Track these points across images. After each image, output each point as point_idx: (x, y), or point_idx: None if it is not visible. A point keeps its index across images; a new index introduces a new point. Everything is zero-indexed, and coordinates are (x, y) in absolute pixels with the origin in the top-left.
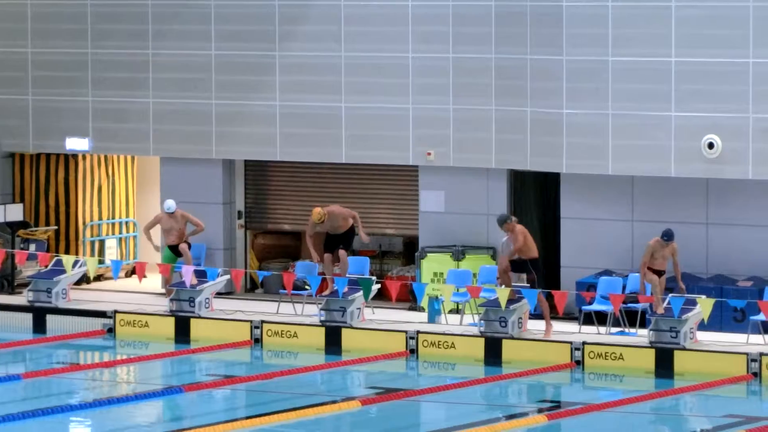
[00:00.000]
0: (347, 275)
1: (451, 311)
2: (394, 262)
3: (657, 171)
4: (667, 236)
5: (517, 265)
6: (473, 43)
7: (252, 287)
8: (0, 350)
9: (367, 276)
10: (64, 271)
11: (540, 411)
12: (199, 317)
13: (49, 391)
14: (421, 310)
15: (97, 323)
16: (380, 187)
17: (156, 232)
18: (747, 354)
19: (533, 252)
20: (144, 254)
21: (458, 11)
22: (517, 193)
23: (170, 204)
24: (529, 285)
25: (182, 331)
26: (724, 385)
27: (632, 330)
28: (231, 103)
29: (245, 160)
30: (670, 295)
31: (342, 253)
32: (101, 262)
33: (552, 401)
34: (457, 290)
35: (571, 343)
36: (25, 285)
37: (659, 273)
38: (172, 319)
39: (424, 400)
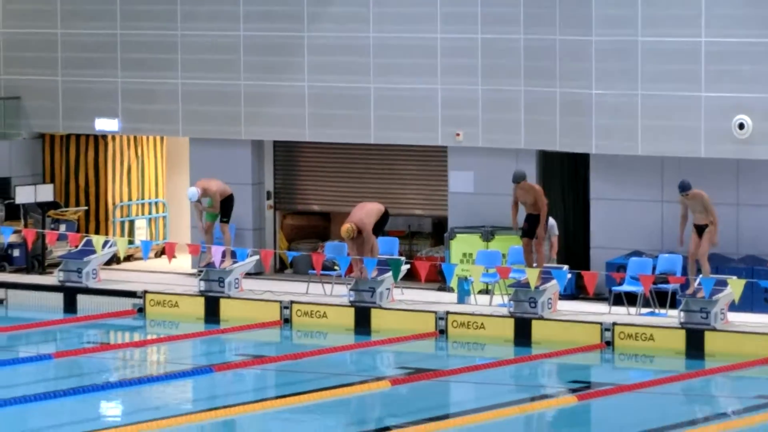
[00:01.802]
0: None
1: (480, 292)
2: (423, 242)
3: (687, 152)
4: (681, 187)
5: (531, 226)
6: (502, 24)
7: (281, 268)
8: (31, 330)
9: (396, 256)
10: (94, 252)
11: (570, 391)
12: (229, 297)
13: (79, 370)
14: (451, 290)
15: (127, 303)
16: (409, 168)
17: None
18: None
19: (545, 207)
20: (174, 234)
21: None
22: (546, 173)
23: (191, 193)
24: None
25: (212, 311)
26: (755, 366)
27: (662, 311)
28: (260, 84)
29: (274, 141)
30: (700, 276)
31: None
32: (131, 242)
33: (582, 382)
34: (487, 271)
35: (601, 323)
36: (56, 265)
37: (700, 229)
38: (201, 299)
39: (453, 381)
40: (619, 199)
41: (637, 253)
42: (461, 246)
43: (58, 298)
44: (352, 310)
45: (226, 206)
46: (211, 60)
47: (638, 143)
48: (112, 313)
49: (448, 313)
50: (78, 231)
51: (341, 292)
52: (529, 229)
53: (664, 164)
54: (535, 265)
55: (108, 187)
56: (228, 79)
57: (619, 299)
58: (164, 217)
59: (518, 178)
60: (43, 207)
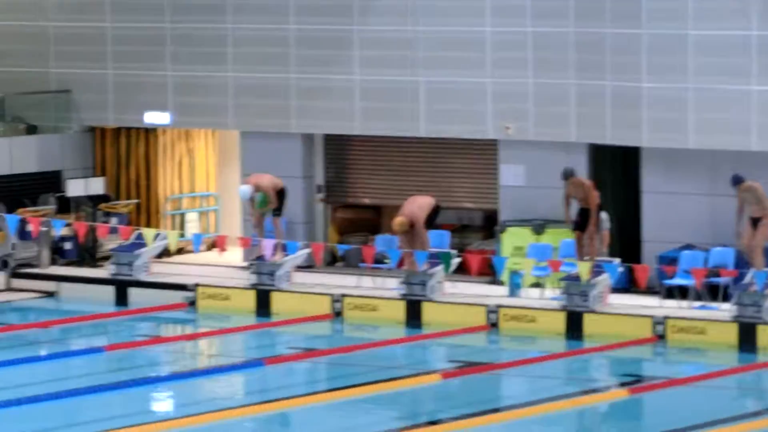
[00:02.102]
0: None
1: (531, 285)
2: (474, 235)
3: (738, 145)
4: (733, 181)
5: (583, 220)
6: (552, 17)
7: (332, 261)
8: (82, 323)
9: (447, 250)
10: (145, 245)
11: (622, 385)
12: (280, 290)
13: (131, 363)
14: (502, 283)
15: (179, 296)
16: (459, 161)
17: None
18: None
19: (596, 201)
20: (225, 227)
21: None
22: (597, 167)
23: (243, 192)
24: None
25: (263, 305)
26: None
27: (714, 304)
28: (311, 77)
29: (325, 134)
30: (752, 269)
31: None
32: (182, 235)
33: (633, 375)
34: (538, 264)
35: (653, 317)
36: (107, 258)
37: (754, 221)
38: (253, 293)
39: (505, 374)
40: (671, 192)
41: (689, 247)
42: (512, 239)
43: (109, 291)
44: (403, 303)
45: (278, 199)
46: (262, 53)
47: (689, 136)
48: (164, 306)
49: (499, 306)
50: (129, 224)
51: (392, 285)
52: (581, 223)
53: (715, 157)
54: (586, 258)
55: (159, 180)
56: (279, 72)
57: (670, 293)
58: (215, 210)
59: (567, 175)
60: (95, 200)
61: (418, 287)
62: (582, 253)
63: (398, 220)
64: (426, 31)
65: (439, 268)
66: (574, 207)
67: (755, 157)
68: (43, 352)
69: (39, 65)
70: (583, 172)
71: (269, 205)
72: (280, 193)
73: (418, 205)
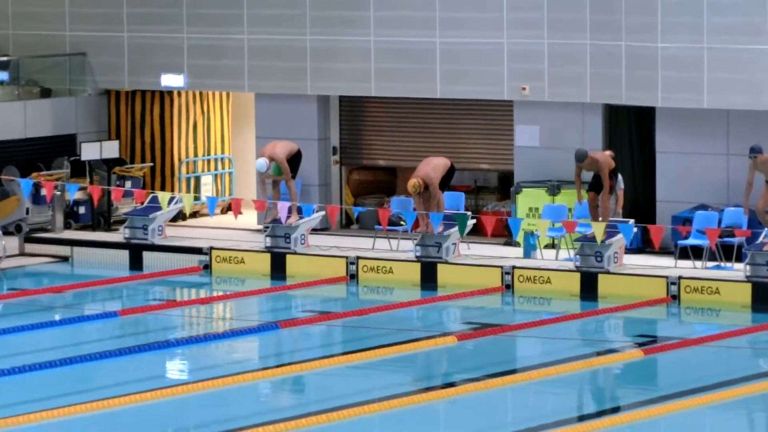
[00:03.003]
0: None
1: (546, 246)
2: (489, 197)
3: (752, 104)
4: (752, 150)
5: (597, 181)
6: None
7: (347, 223)
8: (97, 287)
9: (462, 211)
10: (159, 208)
11: (636, 346)
12: (295, 253)
13: (145, 328)
14: (517, 245)
15: (193, 260)
16: (475, 122)
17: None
18: None
19: (608, 178)
20: (240, 191)
21: None
22: (612, 127)
23: (260, 164)
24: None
25: (278, 268)
26: None
27: (728, 264)
28: (326, 39)
29: (340, 96)
30: (766, 229)
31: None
32: (197, 198)
33: (648, 336)
34: (553, 225)
35: (667, 277)
36: (122, 222)
37: None
38: (267, 255)
39: (520, 336)
40: (685, 152)
41: (703, 207)
42: (527, 200)
43: (123, 255)
44: (419, 265)
45: (293, 163)
46: (277, 15)
47: (704, 96)
48: (178, 270)
49: (514, 267)
50: (144, 187)
51: (407, 247)
52: (595, 184)
53: (729, 117)
54: (600, 219)
55: (174, 143)
56: (294, 34)
57: (685, 253)
58: (230, 173)
59: (581, 158)
60: (109, 163)
61: (433, 249)
62: (595, 215)
63: (412, 182)
64: None
65: (454, 229)
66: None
67: None
68: (57, 317)
69: (54, 28)
70: (597, 133)
71: (283, 174)
72: (295, 157)
73: (433, 166)
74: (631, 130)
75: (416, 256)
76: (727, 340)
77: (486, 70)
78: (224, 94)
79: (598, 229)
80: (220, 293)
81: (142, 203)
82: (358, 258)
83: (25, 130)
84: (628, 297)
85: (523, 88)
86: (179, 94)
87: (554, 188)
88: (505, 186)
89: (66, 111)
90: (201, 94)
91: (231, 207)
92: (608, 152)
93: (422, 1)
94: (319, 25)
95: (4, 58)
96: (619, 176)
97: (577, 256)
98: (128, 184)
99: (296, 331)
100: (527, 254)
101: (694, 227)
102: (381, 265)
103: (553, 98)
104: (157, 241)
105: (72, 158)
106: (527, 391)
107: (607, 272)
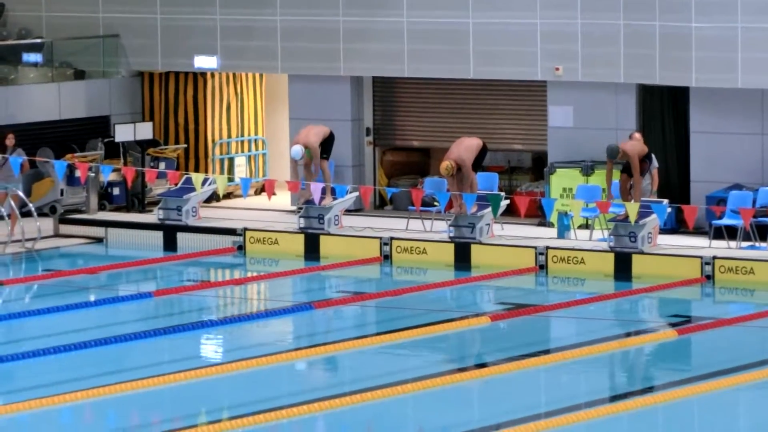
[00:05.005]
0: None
1: (580, 227)
2: (522, 177)
3: None
4: None
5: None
6: None
7: (381, 204)
8: (131, 268)
9: (496, 192)
10: (193, 189)
11: (670, 326)
12: (329, 234)
13: (179, 308)
14: (550, 225)
15: (227, 241)
16: (508, 103)
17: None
18: None
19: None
20: (273, 172)
21: None
22: (645, 107)
23: (295, 152)
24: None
25: (312, 248)
26: None
27: (763, 244)
28: (359, 20)
29: (373, 77)
30: None
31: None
32: (230, 179)
33: (682, 316)
34: (587, 205)
35: (701, 257)
36: (155, 203)
37: None
38: (301, 236)
39: (553, 316)
40: (719, 132)
41: (737, 187)
42: (561, 181)
43: (157, 236)
44: (452, 246)
45: (326, 144)
46: None
47: (738, 76)
48: (212, 251)
49: (547, 248)
50: (177, 169)
51: (441, 228)
52: (628, 165)
53: (764, 97)
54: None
55: (207, 124)
56: (327, 15)
57: (719, 233)
58: (264, 155)
59: (614, 154)
60: (143, 145)
61: (466, 230)
62: (626, 197)
63: (445, 165)
64: None
65: (488, 210)
66: None
67: None
68: (91, 298)
69: (87, 10)
70: (631, 113)
71: (314, 158)
72: (328, 140)
73: (465, 146)
74: (665, 110)
75: (450, 237)
76: (761, 320)
77: (519, 50)
78: (257, 75)
79: (631, 209)
80: (254, 274)
81: (176, 184)
82: (391, 239)
83: (59, 112)
84: (662, 277)
85: (557, 69)
86: (212, 75)
87: (588, 168)
88: (539, 166)
89: (100, 93)
90: (234, 75)
91: (264, 188)
92: (637, 135)
93: None
94: (352, 6)
95: (38, 41)
96: (653, 157)
97: (611, 237)
98: (162, 165)
99: (330, 312)
100: (561, 235)
101: (729, 207)
102: (414, 246)
103: (587, 78)
104: (191, 222)
105: (106, 140)
106: (560, 371)
107: (641, 252)
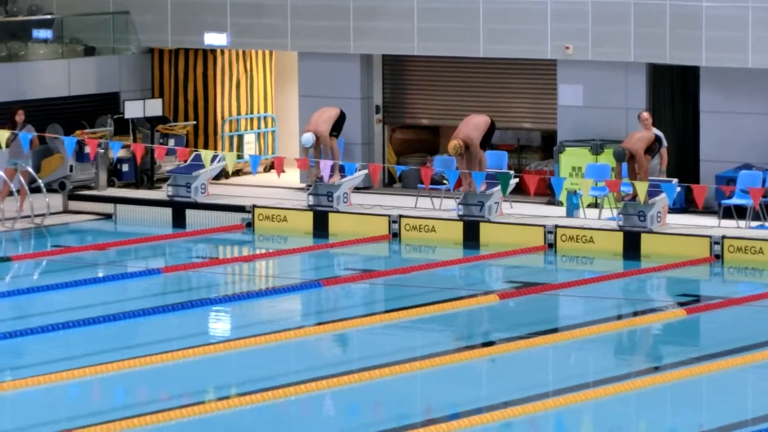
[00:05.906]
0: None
1: (589, 205)
2: (532, 156)
3: None
4: None
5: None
6: None
7: (390, 182)
8: (140, 245)
9: (505, 170)
10: (202, 166)
11: (679, 305)
12: (338, 212)
13: (188, 285)
14: (560, 204)
15: (236, 218)
16: (518, 82)
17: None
18: None
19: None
20: (282, 149)
21: None
22: (655, 86)
23: (306, 139)
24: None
25: (320, 226)
26: None
27: None
28: None
29: (383, 55)
30: None
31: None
32: (240, 156)
33: (691, 295)
34: (596, 184)
35: (710, 237)
36: (165, 180)
37: None
38: (310, 214)
39: (562, 295)
40: (729, 112)
41: (747, 166)
42: (570, 159)
43: (166, 212)
44: (461, 224)
45: (337, 123)
46: None
47: (749, 55)
48: (221, 228)
49: (556, 226)
50: (187, 146)
51: (450, 206)
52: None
53: None
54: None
55: (217, 101)
56: None
57: (728, 212)
58: (273, 132)
59: (622, 158)
60: (152, 122)
61: (475, 208)
62: (634, 177)
63: (452, 144)
64: None
65: (497, 188)
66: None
67: None
68: (100, 274)
69: None
70: (641, 93)
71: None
72: (339, 120)
73: (473, 125)
74: (675, 89)
75: (459, 215)
76: None
77: (529, 29)
78: (267, 52)
79: (640, 189)
80: (263, 251)
81: (185, 161)
82: (400, 216)
83: (69, 88)
84: (671, 256)
85: (567, 47)
86: (222, 52)
87: (597, 147)
88: (548, 145)
89: (109, 69)
90: (244, 52)
91: (274, 165)
92: (645, 114)
93: None
94: None
95: (48, 17)
96: (662, 136)
97: (620, 216)
98: (171, 142)
99: (338, 289)
100: (570, 213)
101: (738, 187)
102: (423, 224)
103: (597, 57)
104: (200, 199)
105: (115, 116)
106: (569, 349)
107: (650, 231)
